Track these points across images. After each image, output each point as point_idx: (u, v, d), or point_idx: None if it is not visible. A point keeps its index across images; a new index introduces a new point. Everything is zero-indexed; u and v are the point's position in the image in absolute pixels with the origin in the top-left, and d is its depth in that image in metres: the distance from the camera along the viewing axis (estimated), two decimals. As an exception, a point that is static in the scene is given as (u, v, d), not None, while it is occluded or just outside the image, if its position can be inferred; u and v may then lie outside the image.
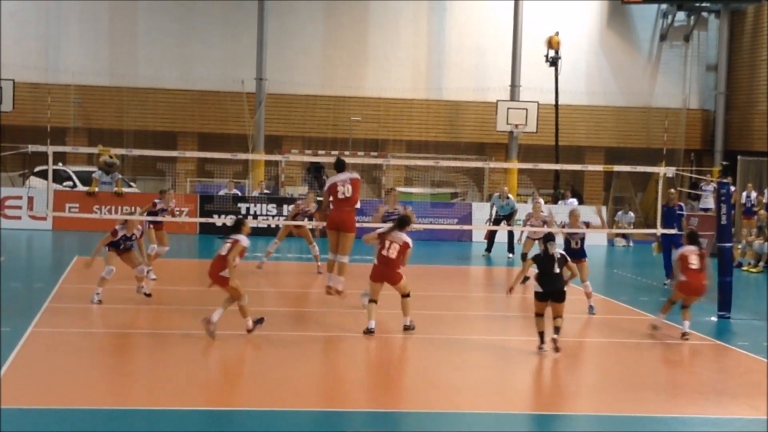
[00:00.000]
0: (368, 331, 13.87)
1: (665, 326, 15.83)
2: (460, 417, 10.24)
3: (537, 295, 13.41)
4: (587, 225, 17.23)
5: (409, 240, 13.94)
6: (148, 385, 11.01)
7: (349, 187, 14.90)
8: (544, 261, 13.40)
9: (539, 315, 13.36)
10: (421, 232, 22.43)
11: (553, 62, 33.29)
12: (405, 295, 14.12)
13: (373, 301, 14.01)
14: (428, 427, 10.02)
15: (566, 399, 11.39)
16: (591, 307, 16.37)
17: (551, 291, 13.31)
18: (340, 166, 15.21)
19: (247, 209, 28.70)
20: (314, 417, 9.96)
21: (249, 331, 13.57)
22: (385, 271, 13.87)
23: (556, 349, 13.23)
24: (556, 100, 33.60)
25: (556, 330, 13.31)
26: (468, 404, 10.80)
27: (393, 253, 13.75)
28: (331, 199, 15.00)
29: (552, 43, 18.12)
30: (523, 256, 20.81)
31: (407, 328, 14.21)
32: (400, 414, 10.35)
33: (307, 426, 9.72)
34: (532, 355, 13.35)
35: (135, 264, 16.12)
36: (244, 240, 13.37)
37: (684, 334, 14.60)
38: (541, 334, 13.32)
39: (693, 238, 15.16)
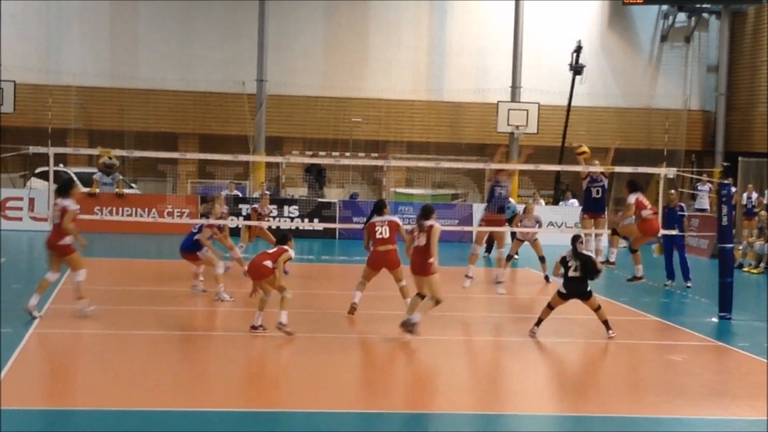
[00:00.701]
0: (405, 325, 13.55)
1: (666, 327, 15.89)
2: (461, 418, 10.25)
3: (560, 293, 13.99)
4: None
5: (433, 222, 13.83)
6: (149, 387, 11.00)
7: (387, 228, 15.29)
8: (569, 262, 13.76)
9: (551, 307, 14.04)
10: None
11: (578, 71, 33.40)
12: (432, 297, 13.73)
13: (419, 295, 13.88)
14: (427, 428, 10.04)
15: (566, 400, 11.38)
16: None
17: (575, 293, 13.89)
18: (379, 209, 15.57)
19: (248, 211, 28.64)
20: (323, 419, 9.95)
21: (281, 326, 13.52)
22: (417, 261, 13.83)
23: (610, 337, 14.08)
24: (569, 105, 33.65)
25: (606, 323, 14.04)
26: (467, 406, 10.80)
27: (422, 241, 13.79)
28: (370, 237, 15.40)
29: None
30: (509, 258, 20.86)
31: (405, 325, 13.56)
32: (402, 416, 10.35)
33: (311, 428, 9.72)
34: (532, 356, 13.36)
35: (214, 263, 16.74)
36: (291, 252, 13.97)
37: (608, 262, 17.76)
38: (540, 321, 14.10)
39: (635, 186, 18.31)
